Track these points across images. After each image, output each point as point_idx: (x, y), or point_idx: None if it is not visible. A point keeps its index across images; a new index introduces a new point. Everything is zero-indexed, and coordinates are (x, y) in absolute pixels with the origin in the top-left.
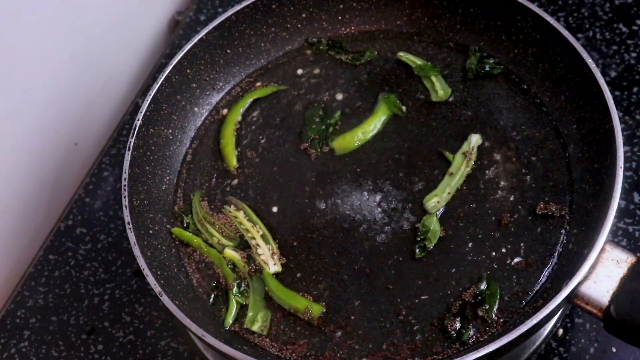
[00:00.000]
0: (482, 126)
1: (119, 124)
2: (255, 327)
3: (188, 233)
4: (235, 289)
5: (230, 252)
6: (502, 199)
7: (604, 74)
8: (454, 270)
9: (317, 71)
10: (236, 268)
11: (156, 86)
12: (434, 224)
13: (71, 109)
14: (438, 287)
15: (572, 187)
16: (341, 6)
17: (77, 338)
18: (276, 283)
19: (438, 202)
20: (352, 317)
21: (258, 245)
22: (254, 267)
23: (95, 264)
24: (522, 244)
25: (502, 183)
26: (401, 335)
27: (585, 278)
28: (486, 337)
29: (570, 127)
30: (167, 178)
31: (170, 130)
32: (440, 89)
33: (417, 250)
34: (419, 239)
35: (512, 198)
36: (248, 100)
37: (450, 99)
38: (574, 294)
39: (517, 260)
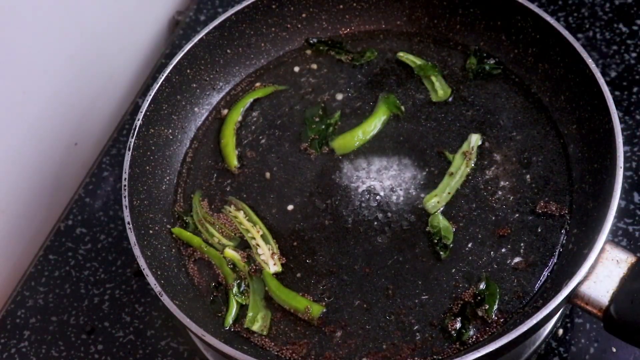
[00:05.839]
0: (482, 126)
1: (119, 124)
2: (255, 327)
3: (188, 233)
4: (235, 289)
5: (230, 252)
6: (502, 198)
7: (604, 74)
8: (453, 270)
9: (317, 71)
10: (236, 268)
11: (156, 86)
12: (441, 222)
13: (71, 109)
14: (438, 287)
15: (572, 187)
16: (341, 6)
17: (77, 338)
18: (276, 283)
19: (438, 202)
20: (352, 317)
21: (258, 245)
22: (254, 267)
23: (95, 264)
24: (522, 244)
25: (502, 183)
26: (401, 335)
27: (585, 278)
28: (486, 337)
29: (570, 127)
30: (167, 178)
31: (170, 130)
32: (440, 89)
33: (441, 253)
34: (435, 240)
35: (512, 198)
36: (248, 100)
37: (450, 99)
38: (574, 294)
39: (517, 260)
